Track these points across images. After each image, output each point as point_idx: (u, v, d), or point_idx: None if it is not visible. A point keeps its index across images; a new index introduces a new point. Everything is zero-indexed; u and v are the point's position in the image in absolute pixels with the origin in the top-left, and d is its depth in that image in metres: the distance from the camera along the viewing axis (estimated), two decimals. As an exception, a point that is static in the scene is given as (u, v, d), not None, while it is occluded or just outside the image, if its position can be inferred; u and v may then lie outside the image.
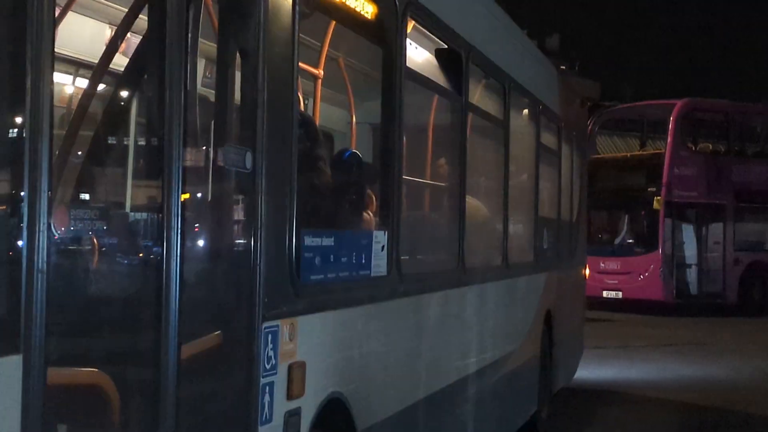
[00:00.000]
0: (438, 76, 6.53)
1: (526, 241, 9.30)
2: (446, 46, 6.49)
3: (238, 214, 3.86)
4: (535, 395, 9.60)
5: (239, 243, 3.84)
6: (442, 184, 7.13)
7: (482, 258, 7.61)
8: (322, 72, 6.51)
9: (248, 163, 3.73)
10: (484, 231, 7.92)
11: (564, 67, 9.63)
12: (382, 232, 5.18)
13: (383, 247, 5.15)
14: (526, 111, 9.24)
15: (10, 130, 2.80)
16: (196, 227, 3.76)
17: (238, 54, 3.90)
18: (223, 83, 3.92)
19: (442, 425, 6.29)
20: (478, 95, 7.49)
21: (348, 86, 7.19)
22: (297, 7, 4.15)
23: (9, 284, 2.69)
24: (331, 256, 4.56)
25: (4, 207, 2.77)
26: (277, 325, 3.95)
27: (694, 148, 23.87)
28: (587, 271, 13.21)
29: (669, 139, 22.82)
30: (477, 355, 7.16)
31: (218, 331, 3.76)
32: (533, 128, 9.37)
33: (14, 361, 2.66)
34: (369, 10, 5.24)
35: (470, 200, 7.54)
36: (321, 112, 6.62)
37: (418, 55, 6.34)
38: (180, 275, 3.36)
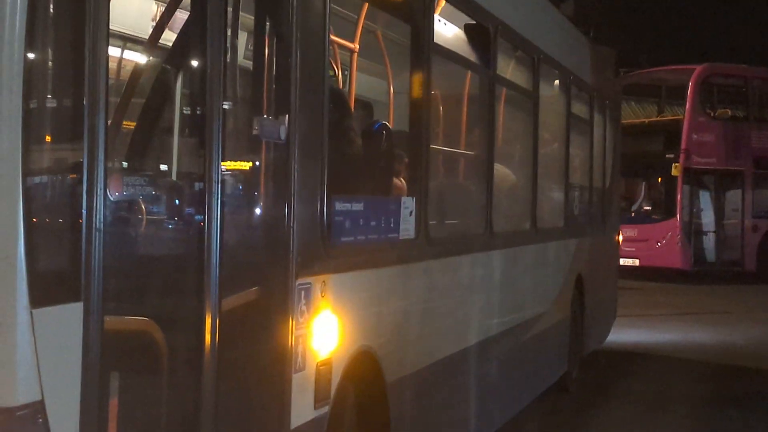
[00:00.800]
0: (467, 51, 6.85)
1: (555, 207, 9.61)
2: (474, 22, 6.81)
3: (274, 180, 4.22)
4: (565, 357, 9.94)
5: (275, 208, 4.20)
6: (471, 152, 7.47)
7: (511, 223, 7.94)
8: (357, 46, 6.84)
9: (282, 134, 4.09)
10: (512, 197, 8.27)
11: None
12: (411, 198, 5.54)
13: (411, 212, 5.50)
14: (556, 81, 9.52)
15: (71, 104, 3.18)
16: (236, 193, 4.13)
17: (272, 28, 4.24)
18: (259, 57, 4.27)
19: (470, 381, 6.65)
20: (507, 68, 7.80)
21: (386, 58, 7.53)
22: None
23: (72, 241, 3.08)
24: (361, 220, 4.91)
25: (67, 173, 3.16)
26: (310, 282, 4.31)
27: (712, 114, 23.64)
28: (620, 238, 13.47)
29: (687, 105, 22.69)
30: (504, 316, 7.50)
31: (256, 287, 4.13)
32: (563, 98, 9.66)
33: (76, 308, 3.06)
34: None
35: (499, 168, 7.92)
36: (362, 82, 6.96)
37: (448, 31, 6.67)
38: (220, 237, 3.73)
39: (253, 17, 4.34)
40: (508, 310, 7.54)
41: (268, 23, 4.28)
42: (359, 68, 7.03)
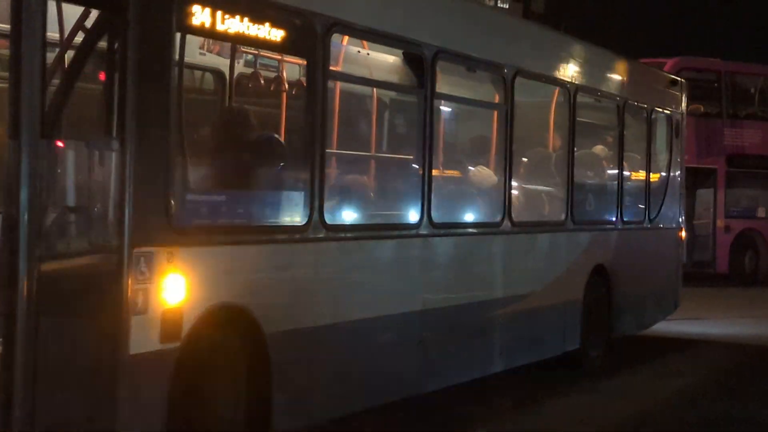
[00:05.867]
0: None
1: (553, 204, 10.95)
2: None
3: (116, 177, 5.87)
4: (576, 335, 11.18)
5: (113, 197, 5.84)
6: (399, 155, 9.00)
7: (460, 216, 9.41)
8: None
9: (114, 147, 5.78)
10: (490, 194, 9.74)
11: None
12: (299, 192, 7.13)
13: (297, 204, 7.09)
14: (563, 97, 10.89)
15: None
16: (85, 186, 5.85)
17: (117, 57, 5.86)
18: (109, 81, 5.87)
19: (386, 345, 8.07)
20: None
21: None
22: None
23: None
24: (223, 208, 6.59)
25: None
26: (152, 251, 5.95)
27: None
28: (683, 234, 14.40)
29: None
30: (444, 293, 8.82)
31: (102, 253, 5.82)
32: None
33: None
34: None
35: (481, 168, 9.48)
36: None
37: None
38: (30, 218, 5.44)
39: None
40: (449, 289, 8.90)
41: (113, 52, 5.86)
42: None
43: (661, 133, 13.65)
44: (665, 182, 13.68)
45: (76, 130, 5.94)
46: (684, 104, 14.37)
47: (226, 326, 6.60)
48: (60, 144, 5.75)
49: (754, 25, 36.09)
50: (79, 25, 6.08)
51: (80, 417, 5.81)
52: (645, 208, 13.00)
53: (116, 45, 5.87)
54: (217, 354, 6.57)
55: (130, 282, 5.84)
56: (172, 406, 6.15)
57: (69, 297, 5.79)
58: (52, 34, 6.06)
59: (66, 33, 6.20)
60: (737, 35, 33.35)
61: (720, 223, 23.29)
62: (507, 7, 9.06)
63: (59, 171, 5.81)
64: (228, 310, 6.56)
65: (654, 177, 13.31)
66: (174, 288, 6.14)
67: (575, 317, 11.16)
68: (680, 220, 14.28)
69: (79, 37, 6.08)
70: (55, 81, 5.97)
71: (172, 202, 6.15)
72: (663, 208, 13.54)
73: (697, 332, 15.01)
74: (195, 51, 6.69)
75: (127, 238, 5.83)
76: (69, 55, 6.11)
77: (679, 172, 14.11)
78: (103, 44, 5.95)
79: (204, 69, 7.97)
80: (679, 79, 14.27)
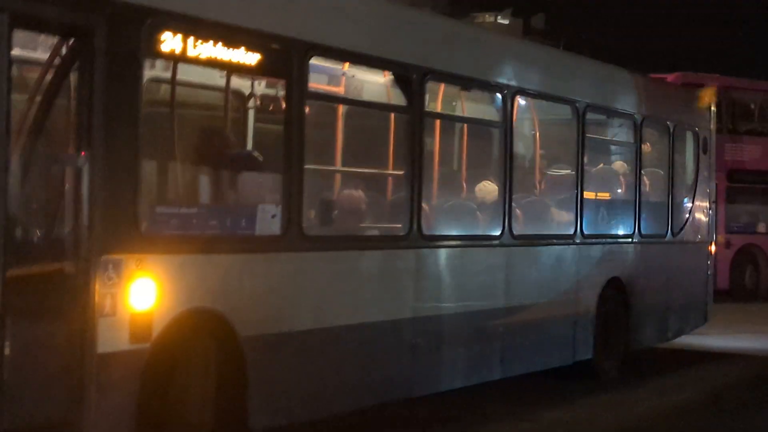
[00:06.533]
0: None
1: (559, 219, 11.28)
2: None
3: (89, 192, 6.39)
4: (589, 346, 11.47)
5: (79, 211, 6.37)
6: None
7: (448, 228, 9.80)
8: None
9: (80, 164, 6.33)
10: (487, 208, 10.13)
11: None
12: (274, 206, 7.60)
13: (274, 216, 7.56)
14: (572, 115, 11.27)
15: None
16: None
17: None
18: (80, 101, 6.39)
19: (368, 351, 8.44)
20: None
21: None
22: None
23: None
24: (194, 220, 7.10)
25: None
26: (121, 258, 6.47)
27: None
28: (713, 248, 14.56)
29: None
30: (427, 303, 9.17)
31: (72, 260, 6.34)
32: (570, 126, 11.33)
33: None
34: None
35: (487, 183, 9.93)
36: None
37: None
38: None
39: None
40: (442, 299, 9.28)
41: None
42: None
43: (685, 149, 13.88)
44: (691, 197, 13.89)
45: (48, 146, 6.50)
46: (713, 121, 14.57)
47: (200, 329, 7.09)
48: (32, 159, 6.31)
49: (749, 41, 36.02)
50: (55, 49, 6.64)
51: (50, 417, 6.31)
52: (667, 223, 13.21)
53: (86, 68, 6.42)
54: (190, 355, 7.06)
55: (97, 286, 6.36)
56: (143, 405, 6.64)
57: (41, 301, 6.30)
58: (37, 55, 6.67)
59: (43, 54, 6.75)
60: (735, 51, 33.22)
61: (720, 238, 22.93)
62: (507, 23, 9.30)
63: (31, 184, 6.37)
64: (202, 314, 7.04)
65: (678, 192, 13.51)
66: (143, 292, 6.65)
67: (587, 328, 11.45)
68: (710, 234, 14.43)
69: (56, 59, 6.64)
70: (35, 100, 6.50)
71: (141, 213, 6.66)
72: (689, 222, 13.75)
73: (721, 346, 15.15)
74: (169, 67, 7.17)
75: (95, 246, 6.36)
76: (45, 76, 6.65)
77: (707, 187, 14.29)
78: (75, 66, 6.50)
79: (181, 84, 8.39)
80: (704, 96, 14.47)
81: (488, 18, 10.93)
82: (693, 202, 13.93)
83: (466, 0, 11.00)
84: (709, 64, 26.96)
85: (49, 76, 6.47)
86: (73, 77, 6.48)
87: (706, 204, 14.33)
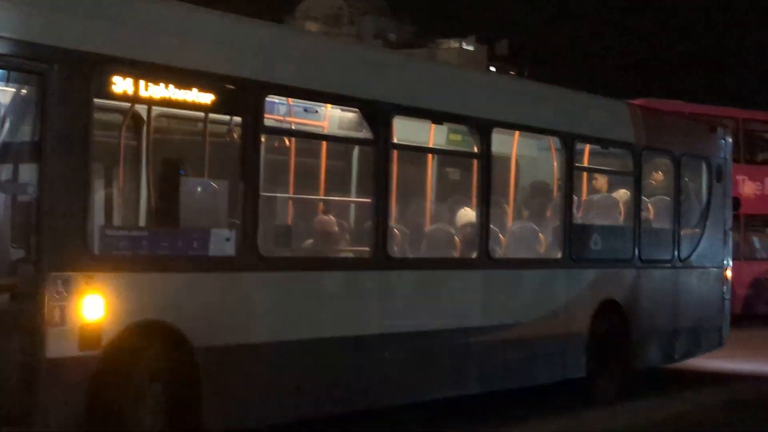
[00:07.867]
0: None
1: (549, 243, 11.87)
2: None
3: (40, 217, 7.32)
4: (581, 364, 12.00)
5: (31, 233, 7.30)
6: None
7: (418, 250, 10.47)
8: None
9: (29, 191, 7.27)
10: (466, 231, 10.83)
11: (513, 73, 11.70)
12: (228, 230, 8.43)
13: (229, 239, 8.39)
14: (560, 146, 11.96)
15: None
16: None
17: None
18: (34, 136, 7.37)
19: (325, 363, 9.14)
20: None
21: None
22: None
23: None
24: (144, 242, 7.96)
25: None
26: (69, 275, 7.36)
27: None
28: (728, 273, 14.87)
29: None
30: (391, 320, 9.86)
31: (24, 276, 7.26)
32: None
33: None
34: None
35: (466, 210, 10.65)
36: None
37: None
38: None
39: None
40: (408, 316, 9.96)
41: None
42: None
43: (695, 177, 14.29)
44: (702, 224, 14.25)
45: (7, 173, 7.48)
46: (728, 150, 14.93)
47: (152, 339, 7.92)
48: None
49: (710, 66, 36.53)
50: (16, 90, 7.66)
51: (6, 413, 7.17)
52: (673, 248, 13.63)
53: (38, 105, 7.38)
54: (142, 363, 7.88)
55: (46, 299, 7.27)
56: (94, 405, 7.49)
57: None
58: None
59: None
60: (695, 77, 33.64)
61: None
62: (472, 49, 9.80)
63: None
64: (153, 325, 7.89)
65: (686, 219, 13.91)
66: (92, 306, 7.52)
67: (578, 347, 11.96)
68: (725, 260, 14.75)
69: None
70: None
71: (89, 235, 7.57)
72: (699, 248, 14.12)
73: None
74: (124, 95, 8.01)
75: (45, 264, 7.27)
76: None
77: (721, 214, 14.63)
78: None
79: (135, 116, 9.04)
80: (718, 127, 14.87)
81: (453, 44, 11.94)
82: (704, 229, 14.28)
83: (431, 27, 11.77)
84: (672, 90, 27.15)
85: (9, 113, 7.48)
86: (30, 112, 7.46)
87: (721, 231, 14.66)
